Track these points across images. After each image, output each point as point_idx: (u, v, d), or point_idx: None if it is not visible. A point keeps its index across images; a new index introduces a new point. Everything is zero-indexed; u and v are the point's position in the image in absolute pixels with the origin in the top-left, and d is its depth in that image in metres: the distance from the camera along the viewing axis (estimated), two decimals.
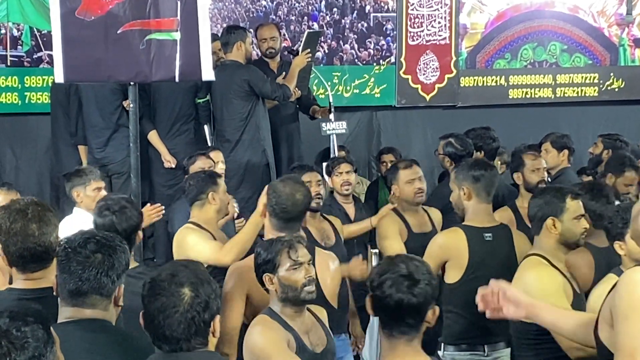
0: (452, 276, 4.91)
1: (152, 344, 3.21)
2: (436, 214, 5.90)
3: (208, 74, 5.01)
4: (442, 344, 4.95)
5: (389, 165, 7.95)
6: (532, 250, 4.44)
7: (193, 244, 5.02)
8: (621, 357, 3.04)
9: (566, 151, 7.14)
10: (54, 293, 3.12)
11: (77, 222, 5.32)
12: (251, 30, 8.20)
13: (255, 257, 4.03)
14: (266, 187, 4.61)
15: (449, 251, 4.92)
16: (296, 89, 7.57)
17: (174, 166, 7.32)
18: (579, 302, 4.21)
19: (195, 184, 5.39)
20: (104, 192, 6.08)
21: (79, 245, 3.04)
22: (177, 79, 4.98)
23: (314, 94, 8.37)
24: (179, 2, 4.87)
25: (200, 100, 7.54)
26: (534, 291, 4.09)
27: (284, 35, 8.72)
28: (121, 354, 3.01)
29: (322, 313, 4.14)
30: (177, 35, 4.89)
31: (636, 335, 3.00)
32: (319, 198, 5.62)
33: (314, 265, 4.12)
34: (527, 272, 4.30)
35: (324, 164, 7.09)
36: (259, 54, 8.10)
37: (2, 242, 3.37)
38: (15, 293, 3.36)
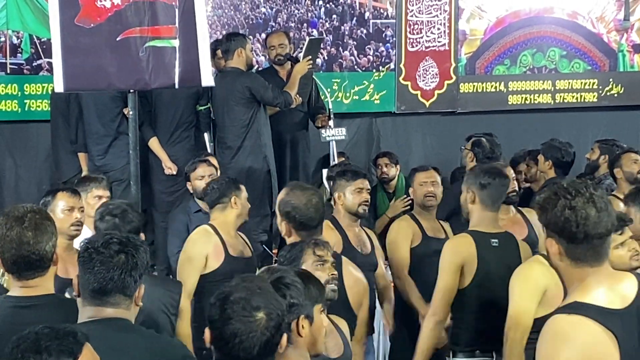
0: (462, 281, 4.87)
1: (173, 342, 3.25)
2: (448, 227, 6.07)
3: (207, 80, 5.03)
4: (451, 352, 4.91)
5: (384, 168, 7.99)
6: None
7: (185, 259, 5.31)
8: None
9: (550, 162, 7.15)
10: (75, 293, 3.14)
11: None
12: (251, 37, 8.21)
13: (279, 261, 4.04)
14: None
15: (462, 255, 4.86)
16: (297, 95, 7.57)
17: (174, 173, 7.31)
18: None
19: (218, 187, 5.50)
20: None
21: (101, 245, 3.06)
22: (176, 86, 4.99)
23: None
24: (177, 10, 4.88)
25: (202, 108, 7.55)
26: (515, 284, 4.37)
27: None
28: (144, 352, 3.03)
29: (344, 325, 4.07)
30: (176, 43, 4.90)
31: None
32: (366, 204, 5.55)
33: (340, 272, 4.15)
34: (522, 266, 4.52)
35: (324, 170, 7.11)
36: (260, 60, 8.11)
37: None
38: (11, 300, 3.38)
